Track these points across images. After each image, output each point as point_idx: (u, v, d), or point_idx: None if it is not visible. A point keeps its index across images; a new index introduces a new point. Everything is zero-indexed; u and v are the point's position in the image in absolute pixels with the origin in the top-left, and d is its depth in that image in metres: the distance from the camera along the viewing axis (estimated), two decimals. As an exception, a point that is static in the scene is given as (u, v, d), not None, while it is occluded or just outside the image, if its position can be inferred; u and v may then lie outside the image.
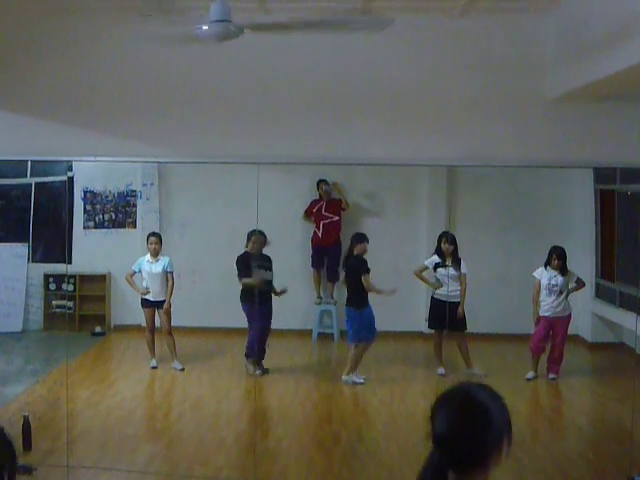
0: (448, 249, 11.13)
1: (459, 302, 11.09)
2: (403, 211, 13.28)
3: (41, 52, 8.00)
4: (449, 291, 11.02)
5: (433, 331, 11.42)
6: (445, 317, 10.77)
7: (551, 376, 11.04)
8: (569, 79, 7.37)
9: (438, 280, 11.25)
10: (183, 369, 11.39)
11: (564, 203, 12.55)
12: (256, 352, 11.17)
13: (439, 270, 11.20)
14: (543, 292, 11.03)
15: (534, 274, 11.11)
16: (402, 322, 12.70)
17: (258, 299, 10.60)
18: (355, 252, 10.76)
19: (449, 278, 11.05)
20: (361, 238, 10.87)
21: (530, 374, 10.98)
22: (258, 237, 10.99)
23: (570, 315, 11.10)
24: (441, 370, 11.13)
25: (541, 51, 7.76)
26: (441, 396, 2.77)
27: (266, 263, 11.11)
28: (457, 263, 11.15)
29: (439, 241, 11.25)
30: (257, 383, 10.57)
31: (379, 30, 6.69)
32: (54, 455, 8.19)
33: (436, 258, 11.23)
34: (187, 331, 12.18)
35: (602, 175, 11.68)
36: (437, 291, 11.24)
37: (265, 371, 11.16)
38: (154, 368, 11.46)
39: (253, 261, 11.07)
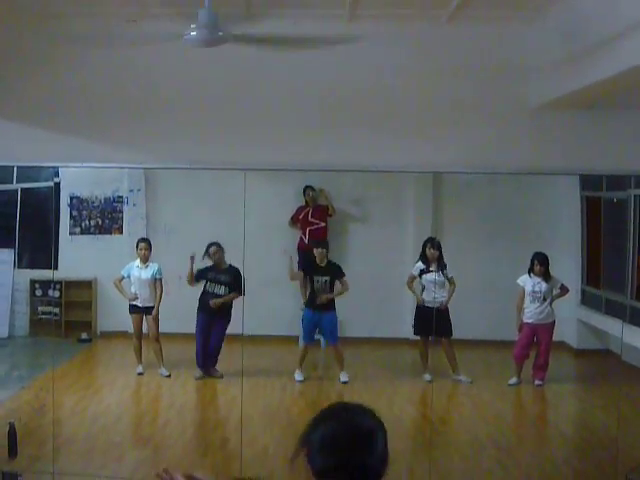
0: (433, 255, 11.15)
1: (446, 308, 11.10)
2: (389, 218, 13.26)
3: (28, 58, 7.99)
4: (435, 297, 11.02)
5: (419, 337, 11.43)
6: (431, 323, 10.79)
7: (537, 382, 11.04)
8: (555, 86, 7.40)
9: (423, 288, 11.25)
10: (169, 375, 11.37)
11: (550, 210, 12.55)
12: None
13: (424, 276, 11.21)
14: (527, 299, 11.04)
15: (518, 281, 11.13)
16: (388, 329, 12.67)
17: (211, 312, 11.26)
18: None
19: (435, 284, 11.06)
20: (316, 244, 11.54)
21: (513, 380, 10.99)
22: (214, 249, 11.32)
23: (554, 322, 11.10)
24: (427, 376, 11.13)
25: (527, 59, 7.78)
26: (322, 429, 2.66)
27: (224, 278, 11.27)
28: (442, 269, 11.17)
29: (424, 247, 11.27)
30: (243, 389, 10.54)
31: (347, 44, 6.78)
32: (40, 462, 8.17)
33: (420, 265, 11.25)
34: (173, 337, 12.13)
35: (588, 182, 11.70)
36: (423, 297, 11.23)
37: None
38: (140, 374, 11.44)
39: (211, 272, 11.36)
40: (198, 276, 11.40)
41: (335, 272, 11.24)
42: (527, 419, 10.61)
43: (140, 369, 11.48)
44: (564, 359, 12.12)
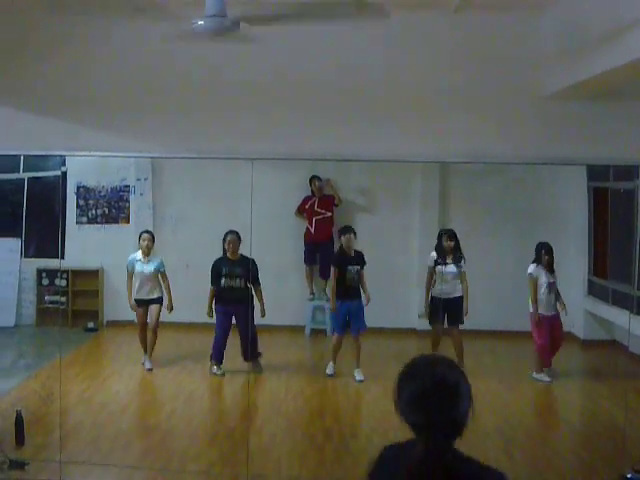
0: (449, 246, 11.04)
1: (458, 297, 11.06)
2: (396, 207, 13.26)
3: (35, 47, 7.98)
4: (450, 288, 10.96)
5: (431, 328, 11.35)
6: (445, 313, 10.81)
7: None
8: (563, 76, 7.37)
9: (438, 279, 11.15)
10: (151, 369, 11.35)
11: (557, 200, 12.53)
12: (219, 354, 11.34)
13: (439, 267, 11.08)
14: (544, 290, 10.97)
15: (531, 272, 11.04)
16: (395, 319, 12.69)
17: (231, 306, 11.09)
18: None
19: (448, 275, 10.98)
20: (344, 230, 11.18)
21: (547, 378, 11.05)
22: (232, 238, 11.09)
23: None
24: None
25: (535, 48, 7.75)
26: (413, 382, 2.93)
27: (238, 270, 11.08)
28: (459, 261, 11.08)
29: (440, 238, 11.17)
30: (250, 379, 10.55)
31: (372, 19, 6.71)
32: (47, 450, 8.19)
33: (434, 255, 11.13)
34: (180, 327, 12.16)
35: (595, 172, 11.69)
36: (435, 288, 11.11)
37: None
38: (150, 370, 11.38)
39: (225, 267, 11.16)
40: (215, 277, 11.22)
41: (362, 260, 11.11)
42: (534, 410, 10.60)
43: (148, 363, 11.44)
44: (571, 350, 12.10)
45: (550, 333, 10.98)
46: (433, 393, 2.84)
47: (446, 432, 2.86)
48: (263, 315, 11.09)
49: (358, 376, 11.01)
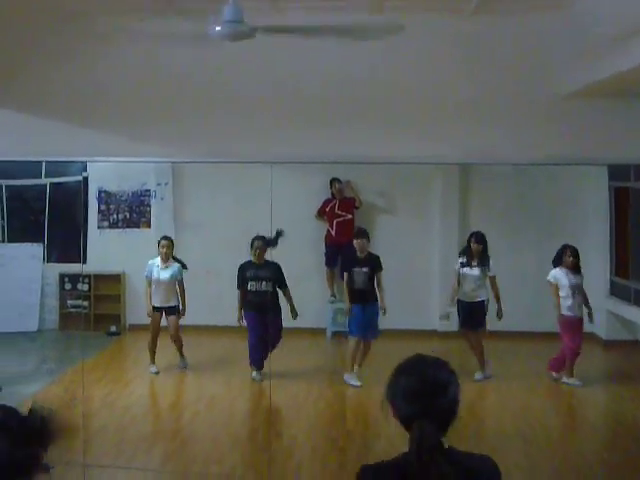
0: (477, 249, 10.95)
1: (481, 301, 11.04)
2: (416, 209, 13.26)
3: (54, 53, 8.03)
4: (470, 290, 10.90)
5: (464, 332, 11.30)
6: (471, 317, 10.79)
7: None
8: (582, 76, 7.36)
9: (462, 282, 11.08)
10: (158, 372, 11.34)
11: (578, 201, 12.49)
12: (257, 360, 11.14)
13: (462, 270, 11.00)
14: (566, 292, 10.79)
15: (549, 278, 10.89)
16: (416, 320, 12.67)
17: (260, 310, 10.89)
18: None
19: (469, 277, 10.91)
20: (357, 234, 11.12)
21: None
22: (258, 243, 10.98)
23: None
24: (480, 375, 11.01)
25: (554, 48, 7.72)
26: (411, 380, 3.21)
27: (263, 273, 11.01)
28: (485, 264, 10.99)
29: (468, 241, 11.13)
30: (271, 382, 10.56)
31: (389, 35, 6.71)
32: (70, 453, 8.22)
33: (462, 258, 11.07)
34: (201, 330, 12.19)
35: (616, 172, 11.64)
36: (459, 291, 11.05)
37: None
38: (157, 373, 11.33)
39: (250, 270, 11.06)
40: (240, 281, 11.12)
41: (375, 263, 10.93)
42: (556, 411, 10.54)
43: (154, 369, 11.38)
44: (593, 350, 12.04)
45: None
46: (424, 389, 3.11)
47: (436, 422, 3.08)
48: (294, 317, 11.09)
49: (353, 381, 10.87)
